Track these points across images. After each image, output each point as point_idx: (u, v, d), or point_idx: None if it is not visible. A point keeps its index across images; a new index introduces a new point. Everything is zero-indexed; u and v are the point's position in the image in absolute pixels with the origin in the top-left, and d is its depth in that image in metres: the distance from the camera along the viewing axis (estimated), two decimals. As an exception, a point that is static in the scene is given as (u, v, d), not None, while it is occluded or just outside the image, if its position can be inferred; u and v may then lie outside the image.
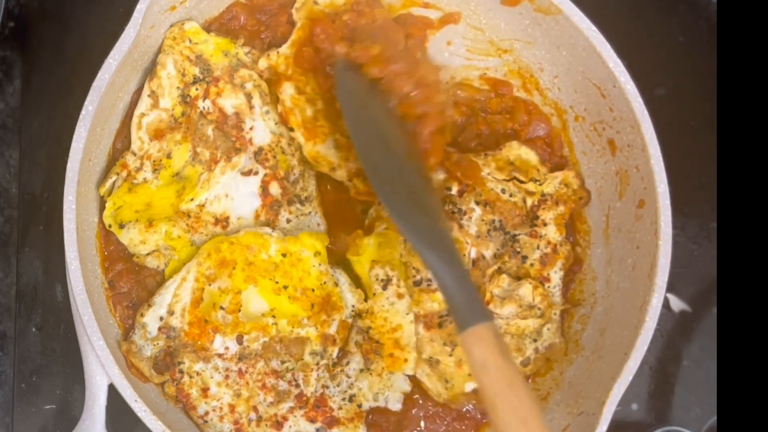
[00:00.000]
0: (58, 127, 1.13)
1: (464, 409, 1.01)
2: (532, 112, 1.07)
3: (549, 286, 1.01)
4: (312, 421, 0.97)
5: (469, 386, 0.98)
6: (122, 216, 0.97)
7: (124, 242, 0.98)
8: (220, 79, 1.00)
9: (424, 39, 1.06)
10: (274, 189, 1.01)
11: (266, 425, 0.96)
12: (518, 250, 1.01)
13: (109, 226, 0.98)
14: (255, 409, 0.96)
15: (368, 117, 0.94)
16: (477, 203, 1.00)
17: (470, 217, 1.00)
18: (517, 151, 1.03)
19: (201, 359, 0.95)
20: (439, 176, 1.01)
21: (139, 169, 0.99)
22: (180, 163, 1.00)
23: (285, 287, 0.97)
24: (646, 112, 0.94)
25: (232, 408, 0.96)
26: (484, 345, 0.77)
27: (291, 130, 1.00)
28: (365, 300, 0.99)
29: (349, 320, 0.99)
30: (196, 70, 1.00)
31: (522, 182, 1.02)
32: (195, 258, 0.97)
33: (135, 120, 1.00)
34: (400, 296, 0.98)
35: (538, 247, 1.01)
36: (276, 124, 1.01)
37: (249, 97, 1.01)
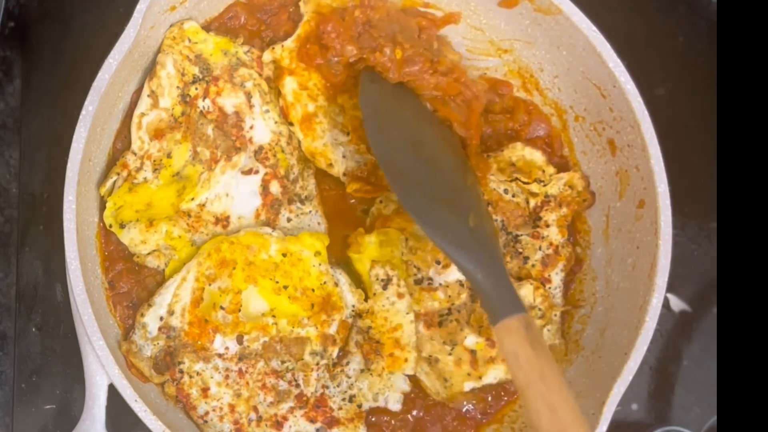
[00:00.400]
0: (58, 127, 1.13)
1: (464, 409, 1.01)
2: (532, 112, 1.07)
3: (550, 288, 1.01)
4: (312, 421, 0.97)
5: (468, 385, 0.98)
6: (123, 216, 0.97)
7: (124, 242, 0.98)
8: (220, 78, 1.00)
9: (434, 29, 1.06)
10: (275, 188, 1.01)
11: (266, 425, 0.96)
12: (520, 250, 1.00)
13: (110, 225, 0.98)
14: (255, 409, 0.96)
15: (394, 122, 0.94)
16: (478, 203, 1.00)
17: (472, 217, 1.00)
18: (521, 152, 1.03)
19: (201, 359, 0.95)
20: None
21: (139, 169, 0.99)
22: (180, 162, 1.00)
23: (285, 287, 0.97)
24: (646, 112, 0.94)
25: (232, 408, 0.96)
26: (514, 337, 0.79)
27: (291, 125, 1.00)
28: (365, 300, 0.99)
29: (349, 320, 0.99)
30: (196, 70, 1.00)
31: (525, 183, 1.02)
32: (195, 258, 0.97)
33: (135, 120, 1.00)
34: (400, 296, 0.98)
35: (539, 249, 1.01)
36: (276, 122, 1.01)
37: (249, 96, 1.01)
